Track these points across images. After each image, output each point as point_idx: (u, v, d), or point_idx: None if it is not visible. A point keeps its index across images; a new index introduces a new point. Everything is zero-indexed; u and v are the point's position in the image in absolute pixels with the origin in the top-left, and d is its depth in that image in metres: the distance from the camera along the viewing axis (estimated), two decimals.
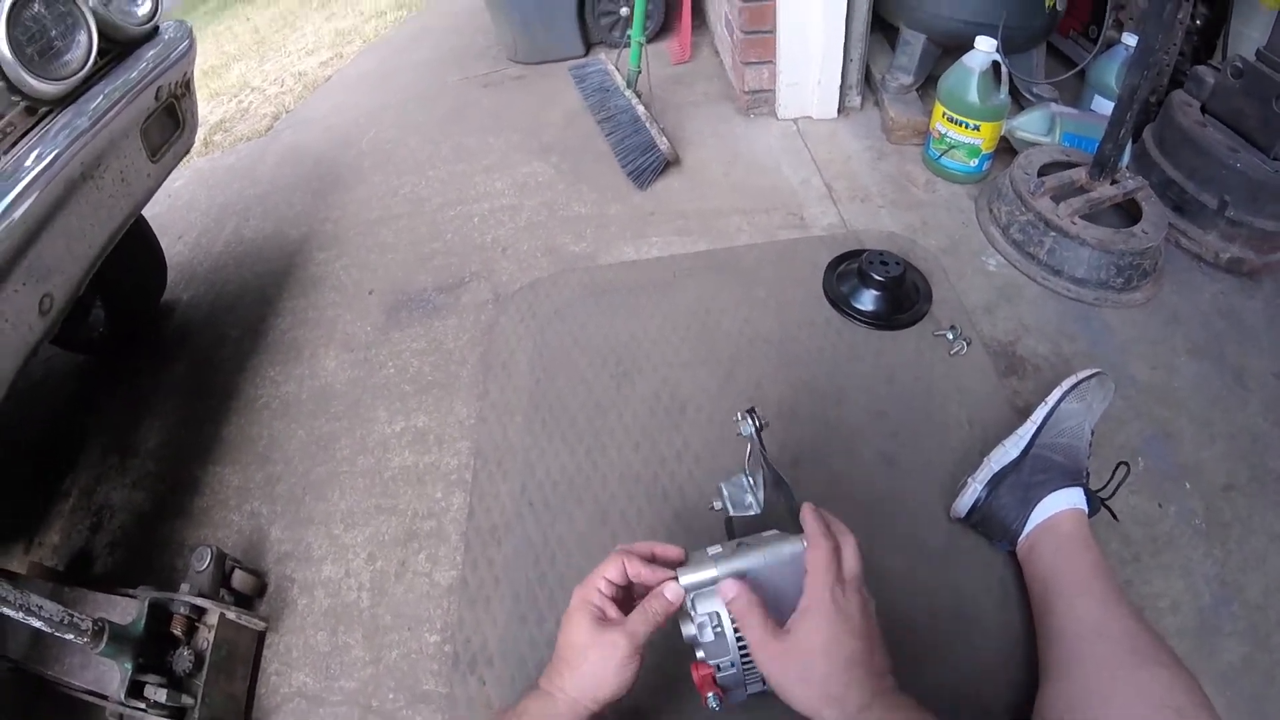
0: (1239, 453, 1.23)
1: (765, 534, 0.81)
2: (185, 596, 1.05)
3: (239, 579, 1.15)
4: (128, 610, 1.05)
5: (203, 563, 1.10)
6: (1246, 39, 1.62)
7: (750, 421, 0.88)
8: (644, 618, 0.74)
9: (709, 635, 0.75)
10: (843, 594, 0.71)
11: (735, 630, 0.75)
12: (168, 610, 1.05)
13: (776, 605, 0.74)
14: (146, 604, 1.02)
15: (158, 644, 1.03)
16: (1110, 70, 1.72)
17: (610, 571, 0.77)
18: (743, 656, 0.76)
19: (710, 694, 0.74)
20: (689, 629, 0.77)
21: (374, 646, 1.12)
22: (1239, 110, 1.48)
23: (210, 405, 1.53)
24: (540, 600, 1.09)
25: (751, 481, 0.94)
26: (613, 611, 0.76)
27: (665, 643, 0.82)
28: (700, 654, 0.76)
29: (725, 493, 0.95)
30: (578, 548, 1.13)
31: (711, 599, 0.75)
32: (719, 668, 0.76)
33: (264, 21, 4.91)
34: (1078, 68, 1.67)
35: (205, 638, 1.05)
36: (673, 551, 0.81)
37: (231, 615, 1.08)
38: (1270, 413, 1.29)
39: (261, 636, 1.15)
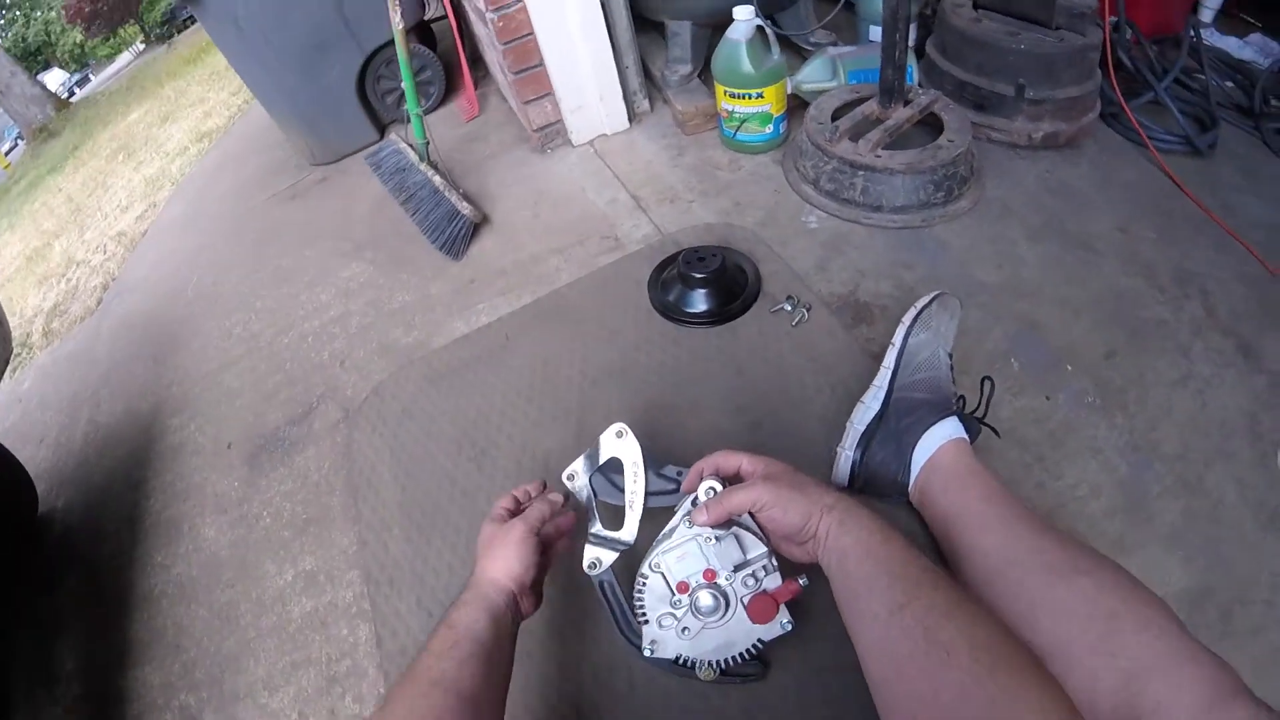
0: (1110, 317, 1.22)
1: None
2: None
3: None
4: None
5: None
6: None
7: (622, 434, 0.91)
8: (534, 509, 0.88)
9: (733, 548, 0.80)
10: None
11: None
12: None
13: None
14: None
15: None
16: None
17: (505, 500, 0.92)
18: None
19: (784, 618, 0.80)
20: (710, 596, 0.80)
21: None
22: None
23: (111, 609, 1.42)
24: None
25: (601, 529, 0.90)
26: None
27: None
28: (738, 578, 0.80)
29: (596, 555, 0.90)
30: None
31: (693, 559, 0.81)
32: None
33: (75, 188, 4.85)
34: (840, 3, 1.67)
35: None
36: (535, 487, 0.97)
37: None
38: (1129, 267, 1.30)
39: None
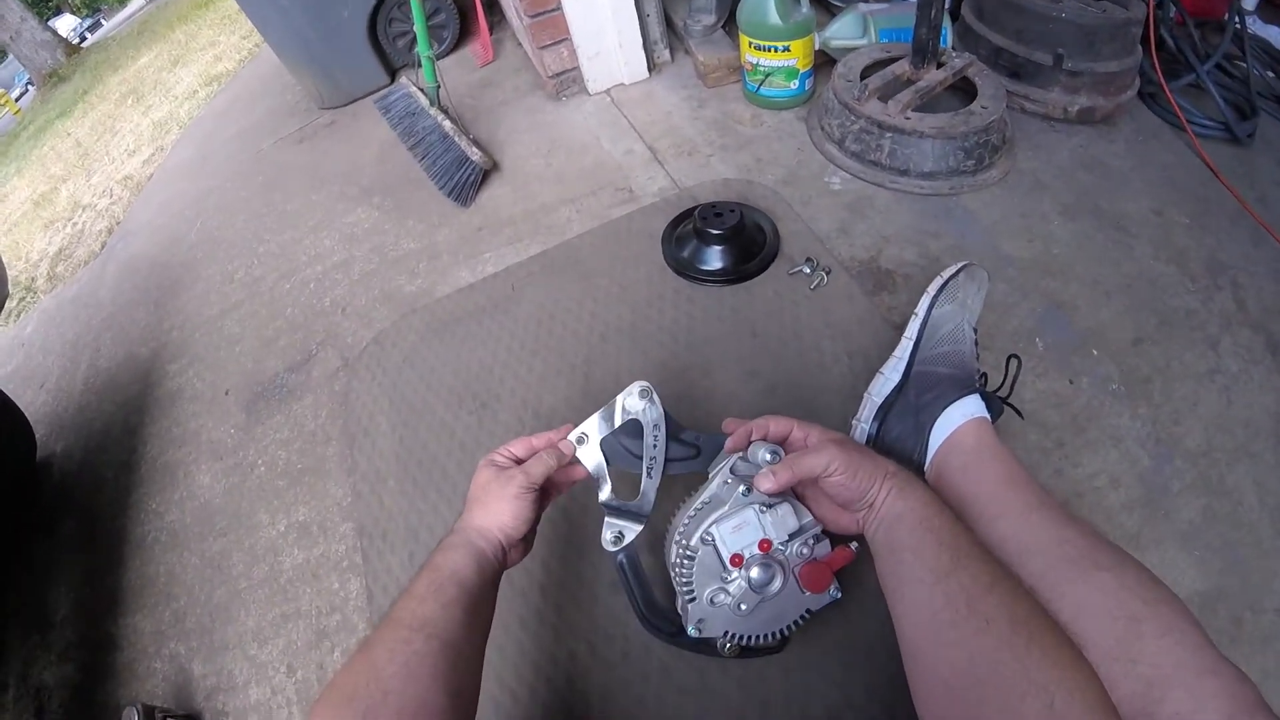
0: (1139, 302, 1.18)
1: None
2: None
3: None
4: None
5: None
6: None
7: (650, 402, 0.84)
8: (538, 459, 0.82)
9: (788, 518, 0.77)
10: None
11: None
12: None
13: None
14: None
15: None
16: None
17: (515, 446, 0.86)
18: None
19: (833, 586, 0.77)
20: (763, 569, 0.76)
21: None
22: None
23: (105, 555, 1.43)
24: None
25: (614, 498, 0.84)
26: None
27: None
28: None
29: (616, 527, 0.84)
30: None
31: (749, 531, 0.76)
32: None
33: (84, 133, 4.85)
34: None
35: None
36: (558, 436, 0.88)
37: None
38: (1161, 252, 1.25)
39: None
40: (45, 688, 1.30)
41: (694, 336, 1.23)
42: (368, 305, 1.60)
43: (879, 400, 0.96)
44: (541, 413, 1.22)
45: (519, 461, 0.84)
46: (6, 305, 2.07)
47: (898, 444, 0.93)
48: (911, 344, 0.98)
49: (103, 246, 2.58)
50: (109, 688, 1.24)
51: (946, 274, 1.01)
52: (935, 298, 0.99)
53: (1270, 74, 1.65)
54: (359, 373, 1.42)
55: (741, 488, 0.75)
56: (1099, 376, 1.09)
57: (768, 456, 0.76)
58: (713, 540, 0.75)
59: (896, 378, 0.97)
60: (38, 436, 1.70)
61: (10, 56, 12.04)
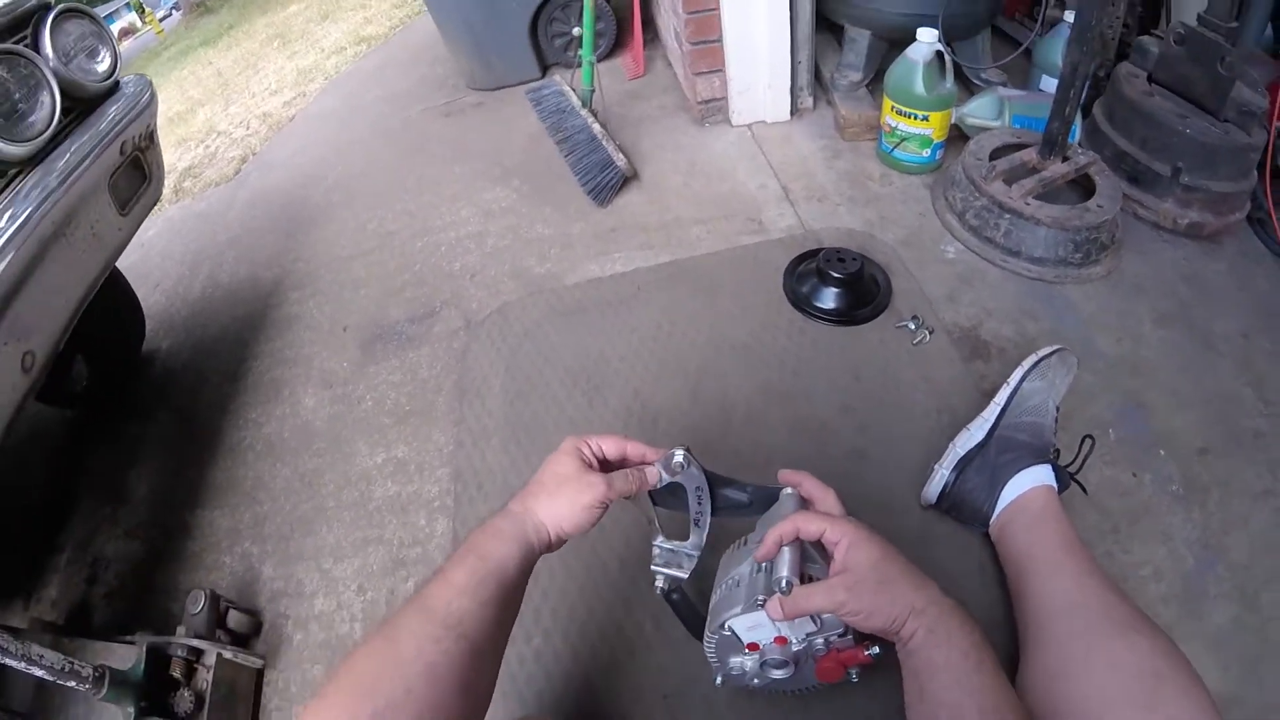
0: (1213, 416, 1.22)
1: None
2: (182, 639, 1.05)
3: (234, 619, 1.16)
4: (127, 656, 1.04)
5: (197, 606, 1.10)
6: (1189, 6, 1.60)
7: (687, 461, 0.83)
8: (624, 477, 0.79)
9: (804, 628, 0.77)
10: (860, 522, 0.76)
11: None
12: (166, 654, 1.05)
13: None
14: (144, 648, 1.02)
15: (159, 687, 1.02)
16: (1055, 49, 1.74)
17: (607, 444, 0.82)
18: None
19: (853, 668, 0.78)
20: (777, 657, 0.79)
21: None
22: (1184, 76, 1.48)
23: (195, 450, 1.53)
24: (528, 622, 1.07)
25: (665, 541, 0.86)
26: (595, 466, 0.81)
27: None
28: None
29: (662, 567, 0.85)
30: (559, 564, 1.12)
31: (763, 628, 0.77)
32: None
33: (227, 65, 4.95)
34: (1021, 48, 1.69)
35: (204, 678, 1.05)
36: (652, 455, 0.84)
37: (228, 654, 1.08)
38: (1242, 373, 1.29)
39: (260, 673, 1.14)
40: (103, 559, 1.39)
41: (801, 365, 1.33)
42: (496, 277, 1.72)
43: (962, 452, 1.06)
44: (650, 409, 1.32)
45: (604, 462, 0.82)
46: None
47: (970, 496, 1.03)
48: (1000, 409, 1.08)
49: (236, 173, 2.75)
50: (171, 571, 1.33)
51: (1042, 353, 1.11)
52: (1028, 372, 1.09)
53: None
54: (479, 336, 1.54)
55: (759, 596, 0.74)
56: (1162, 476, 1.15)
57: (783, 581, 0.72)
58: (730, 630, 0.77)
59: (980, 435, 1.07)
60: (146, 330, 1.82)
61: None
